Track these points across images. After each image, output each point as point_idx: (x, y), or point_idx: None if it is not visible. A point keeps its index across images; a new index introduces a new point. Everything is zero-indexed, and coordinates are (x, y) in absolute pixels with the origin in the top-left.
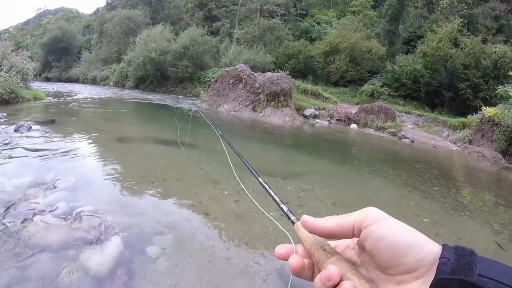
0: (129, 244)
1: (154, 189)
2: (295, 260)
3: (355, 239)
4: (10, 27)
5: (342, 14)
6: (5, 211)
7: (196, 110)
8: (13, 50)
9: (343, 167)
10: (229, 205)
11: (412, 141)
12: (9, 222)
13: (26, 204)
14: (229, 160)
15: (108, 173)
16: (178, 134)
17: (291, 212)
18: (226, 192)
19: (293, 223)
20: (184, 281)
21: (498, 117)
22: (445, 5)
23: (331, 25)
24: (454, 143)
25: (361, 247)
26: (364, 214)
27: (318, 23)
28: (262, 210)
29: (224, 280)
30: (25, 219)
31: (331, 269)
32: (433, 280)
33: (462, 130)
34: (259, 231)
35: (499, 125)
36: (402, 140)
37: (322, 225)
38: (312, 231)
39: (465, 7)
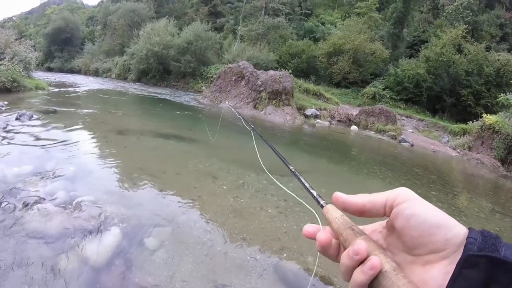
0: (128, 235)
1: (154, 182)
2: (324, 235)
3: (382, 224)
4: (13, 16)
5: (347, 15)
6: (5, 198)
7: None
8: (16, 39)
9: (342, 167)
10: (227, 200)
11: (412, 145)
12: (9, 209)
13: (26, 192)
14: (258, 154)
15: (108, 164)
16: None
17: (320, 196)
18: (224, 187)
19: (322, 206)
20: (181, 273)
21: (498, 125)
22: (450, 11)
23: (335, 26)
24: (454, 149)
25: (390, 229)
26: (396, 193)
27: (323, 24)
28: (292, 194)
29: (220, 274)
30: (25, 207)
31: (359, 244)
32: (461, 257)
33: (462, 137)
34: (257, 227)
35: (499, 133)
36: (402, 143)
37: (354, 201)
38: (344, 207)
39: (470, 13)
